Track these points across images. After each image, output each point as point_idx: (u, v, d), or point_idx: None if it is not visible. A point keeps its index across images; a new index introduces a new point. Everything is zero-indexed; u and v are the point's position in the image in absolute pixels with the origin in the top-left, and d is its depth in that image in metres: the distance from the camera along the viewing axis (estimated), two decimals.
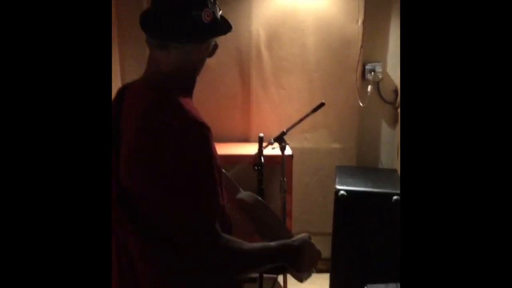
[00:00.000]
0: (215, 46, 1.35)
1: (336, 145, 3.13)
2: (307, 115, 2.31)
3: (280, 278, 2.94)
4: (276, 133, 2.27)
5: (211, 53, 1.35)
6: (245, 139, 3.12)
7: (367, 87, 3.03)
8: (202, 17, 1.21)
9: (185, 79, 1.29)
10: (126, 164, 1.20)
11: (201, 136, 1.16)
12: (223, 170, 1.50)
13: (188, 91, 1.30)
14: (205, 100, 2.98)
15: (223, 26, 1.30)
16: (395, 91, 3.11)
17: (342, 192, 2.62)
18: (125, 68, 2.95)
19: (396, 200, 2.52)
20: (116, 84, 2.80)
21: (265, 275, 2.39)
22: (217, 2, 1.28)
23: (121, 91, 1.34)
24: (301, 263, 1.34)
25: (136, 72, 3.12)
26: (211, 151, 1.17)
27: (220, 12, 1.30)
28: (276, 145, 2.27)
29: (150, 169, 1.16)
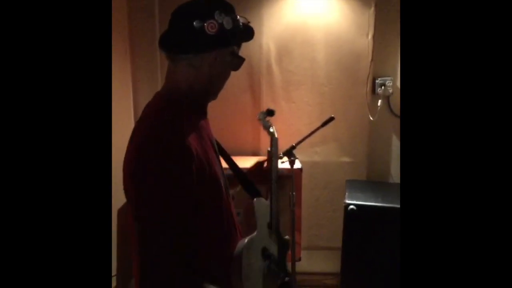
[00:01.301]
0: (239, 59, 1.35)
1: (346, 159, 3.12)
2: (317, 129, 2.30)
3: None
4: (286, 147, 2.26)
5: (235, 66, 1.35)
6: (255, 153, 3.13)
7: (377, 101, 3.03)
8: (205, 28, 1.23)
9: (194, 92, 1.30)
10: (123, 171, 1.25)
11: (176, 160, 1.16)
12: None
13: (196, 105, 1.32)
14: (215, 114, 2.98)
15: (235, 37, 1.30)
16: None
17: (351, 206, 2.60)
18: (136, 79, 2.98)
19: None
20: (128, 95, 2.83)
21: None
22: (233, 14, 1.29)
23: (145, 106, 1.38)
24: None
25: (147, 84, 3.15)
26: (182, 173, 1.16)
27: (240, 22, 1.31)
28: (285, 159, 2.26)
29: (131, 183, 1.20)
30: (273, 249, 1.52)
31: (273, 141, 1.80)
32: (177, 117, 1.22)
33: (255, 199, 1.54)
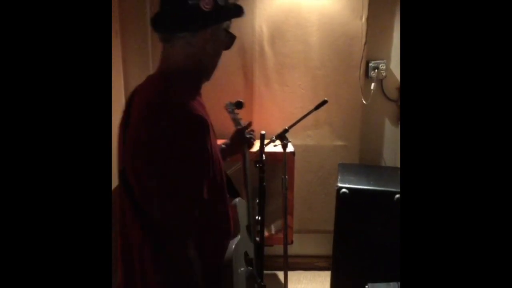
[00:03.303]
0: (230, 37, 1.35)
1: (339, 143, 3.12)
2: (310, 112, 2.30)
3: (281, 275, 2.94)
4: (279, 130, 2.26)
5: (227, 45, 1.35)
6: None
7: (371, 84, 3.02)
8: (200, 5, 1.22)
9: (191, 70, 1.29)
10: (127, 149, 1.24)
11: (194, 129, 1.17)
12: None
13: (193, 83, 1.31)
14: (207, 97, 2.95)
15: (228, 14, 1.30)
16: (399, 88, 3.10)
17: (344, 190, 2.61)
18: (127, 62, 2.93)
19: (398, 198, 2.51)
20: (119, 78, 2.80)
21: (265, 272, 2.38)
22: None
23: (135, 89, 1.36)
24: None
25: (138, 67, 3.11)
26: (203, 144, 1.17)
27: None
28: (278, 142, 2.26)
29: (143, 155, 1.18)
30: (251, 252, 1.57)
31: (244, 141, 1.78)
32: (185, 93, 1.23)
33: (236, 199, 1.54)
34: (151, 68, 2.84)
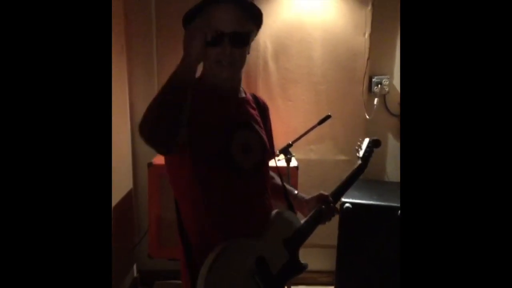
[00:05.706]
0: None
1: (342, 157, 3.12)
2: (313, 127, 2.31)
3: None
4: (282, 144, 2.26)
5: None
6: None
7: (374, 99, 3.03)
8: None
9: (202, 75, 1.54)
10: None
11: None
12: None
13: (211, 87, 1.52)
14: None
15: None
16: None
17: (347, 204, 2.60)
18: (133, 76, 2.95)
19: None
20: (124, 93, 2.82)
21: None
22: None
23: None
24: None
25: (143, 81, 3.10)
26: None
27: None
28: (281, 156, 2.26)
29: None
30: (275, 266, 1.47)
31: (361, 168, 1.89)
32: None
33: (276, 210, 1.57)
34: (157, 82, 2.86)
